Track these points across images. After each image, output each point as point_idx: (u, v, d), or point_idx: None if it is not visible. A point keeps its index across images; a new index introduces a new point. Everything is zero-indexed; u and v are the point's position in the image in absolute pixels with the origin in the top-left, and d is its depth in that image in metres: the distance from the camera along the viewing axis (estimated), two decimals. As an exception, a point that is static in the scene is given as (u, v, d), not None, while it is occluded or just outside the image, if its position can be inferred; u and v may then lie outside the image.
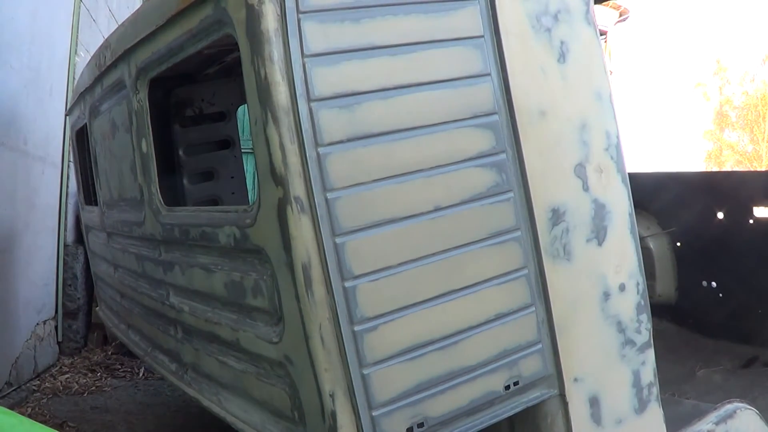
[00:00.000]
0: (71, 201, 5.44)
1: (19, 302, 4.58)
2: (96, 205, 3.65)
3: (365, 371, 1.77)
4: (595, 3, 2.22)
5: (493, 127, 2.01)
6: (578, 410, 2.11)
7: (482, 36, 2.02)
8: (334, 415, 1.76)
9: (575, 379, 2.10)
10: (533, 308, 2.05)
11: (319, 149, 1.74)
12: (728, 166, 28.09)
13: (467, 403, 1.92)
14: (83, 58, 5.39)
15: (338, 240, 1.75)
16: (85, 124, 3.55)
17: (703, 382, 3.61)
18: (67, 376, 4.85)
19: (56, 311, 5.26)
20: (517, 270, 2.02)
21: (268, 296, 1.94)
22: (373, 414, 1.78)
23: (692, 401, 2.76)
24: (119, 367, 5.12)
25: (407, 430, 1.83)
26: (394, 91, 1.86)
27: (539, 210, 2.06)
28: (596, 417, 2.14)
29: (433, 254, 1.88)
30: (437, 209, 1.90)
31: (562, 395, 2.09)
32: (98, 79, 3.07)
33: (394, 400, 1.81)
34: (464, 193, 1.95)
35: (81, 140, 3.95)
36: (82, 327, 5.49)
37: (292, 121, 1.72)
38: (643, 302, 2.26)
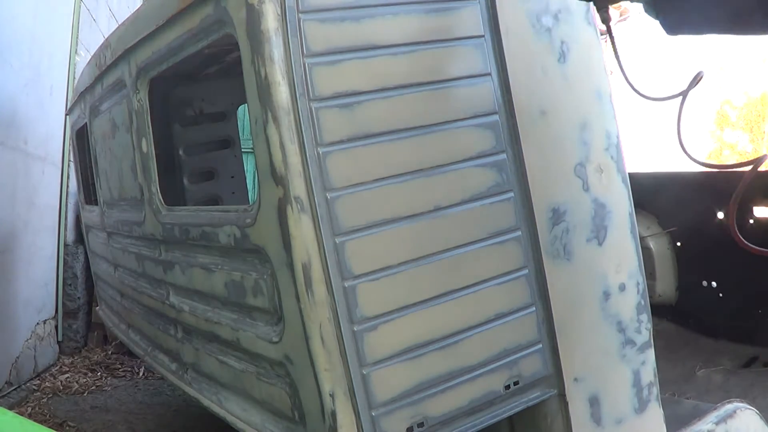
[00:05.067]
0: (71, 200, 5.44)
1: (19, 302, 4.58)
2: (96, 204, 3.65)
3: (365, 371, 1.77)
4: (596, 3, 2.22)
5: (494, 127, 2.01)
6: (578, 410, 2.11)
7: (482, 36, 2.02)
8: (334, 414, 1.76)
9: (575, 379, 2.10)
10: (533, 308, 2.05)
11: (319, 149, 1.74)
12: (728, 166, 28.01)
13: (467, 402, 1.92)
14: (83, 57, 5.39)
15: (338, 240, 1.75)
16: (86, 123, 3.55)
17: (703, 382, 3.61)
18: (67, 375, 4.85)
19: (56, 311, 5.26)
20: (517, 270, 2.03)
21: (268, 296, 1.94)
22: (373, 414, 1.78)
23: (692, 401, 2.76)
24: (119, 366, 5.11)
25: (407, 429, 1.83)
26: (394, 91, 1.86)
27: (539, 210, 2.06)
28: (596, 417, 2.14)
29: (433, 254, 1.88)
30: (437, 209, 1.90)
31: (562, 395, 2.09)
32: (98, 78, 3.07)
33: (394, 399, 1.81)
34: (464, 193, 1.95)
35: (81, 140, 3.94)
36: (82, 326, 5.48)
37: (293, 121, 1.72)
38: (643, 302, 2.26)
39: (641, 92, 1.87)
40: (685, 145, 1.94)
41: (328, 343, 1.75)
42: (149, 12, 2.41)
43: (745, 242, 1.82)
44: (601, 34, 2.10)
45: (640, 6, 1.71)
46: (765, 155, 1.79)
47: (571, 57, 2.12)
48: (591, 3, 1.78)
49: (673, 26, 1.68)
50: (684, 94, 1.86)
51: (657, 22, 1.72)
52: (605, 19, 1.81)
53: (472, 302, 1.94)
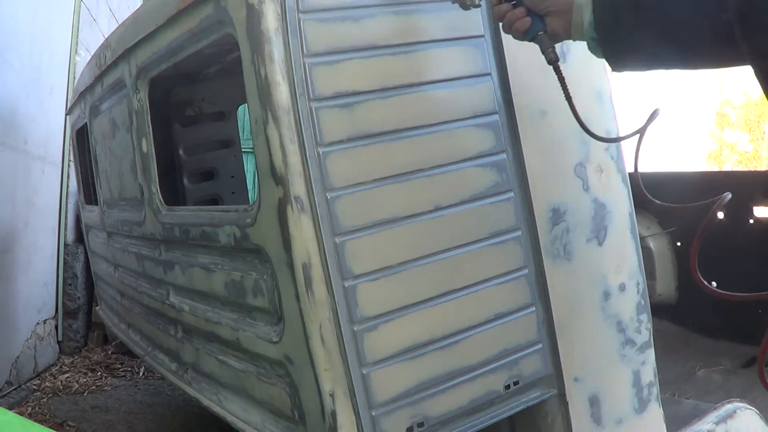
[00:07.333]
0: (71, 200, 5.44)
1: (19, 302, 4.58)
2: (96, 204, 3.65)
3: (365, 371, 1.77)
4: (596, 3, 2.22)
5: (494, 127, 2.01)
6: (578, 410, 2.11)
7: (482, 35, 2.02)
8: (334, 414, 1.77)
9: (575, 379, 2.10)
10: (533, 308, 2.05)
11: (319, 149, 1.74)
12: (728, 166, 28.05)
13: (467, 402, 1.92)
14: (83, 57, 5.39)
15: (338, 239, 1.75)
16: (86, 123, 3.55)
17: (703, 382, 3.61)
18: (67, 375, 4.85)
19: (56, 310, 5.26)
20: (517, 270, 2.03)
21: (268, 296, 1.94)
22: (373, 413, 1.78)
23: (692, 401, 2.76)
24: (119, 366, 5.11)
25: (407, 429, 1.83)
26: (394, 91, 1.86)
27: (539, 210, 2.06)
28: (596, 417, 2.14)
29: (434, 254, 1.88)
30: (437, 209, 1.90)
31: (562, 395, 2.09)
32: (98, 78, 3.07)
33: (394, 399, 1.81)
34: (464, 192, 1.95)
35: (81, 140, 3.95)
36: (82, 326, 5.48)
37: (293, 121, 1.73)
38: (643, 302, 2.26)
39: (595, 133, 1.84)
40: (643, 187, 1.94)
41: (328, 343, 1.75)
42: (149, 12, 2.41)
43: (707, 284, 1.83)
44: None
45: (584, 44, 1.69)
46: (727, 194, 1.80)
47: (571, 57, 2.11)
48: (534, 42, 1.75)
49: (619, 63, 1.66)
50: (641, 131, 1.84)
51: (603, 59, 1.70)
52: (552, 60, 1.76)
53: (472, 302, 1.93)
